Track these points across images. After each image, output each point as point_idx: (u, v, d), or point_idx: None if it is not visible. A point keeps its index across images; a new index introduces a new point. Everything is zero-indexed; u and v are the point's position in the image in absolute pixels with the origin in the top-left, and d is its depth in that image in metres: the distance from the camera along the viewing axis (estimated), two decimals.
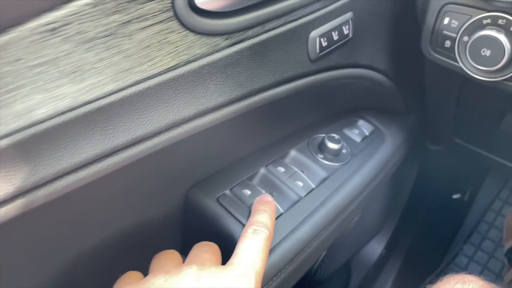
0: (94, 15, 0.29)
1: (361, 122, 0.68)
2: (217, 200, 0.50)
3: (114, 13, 0.30)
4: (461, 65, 0.55)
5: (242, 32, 0.39)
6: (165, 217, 0.50)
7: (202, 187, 0.51)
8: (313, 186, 0.55)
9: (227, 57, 0.38)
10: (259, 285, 0.38)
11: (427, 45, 0.58)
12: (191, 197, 0.51)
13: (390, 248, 0.96)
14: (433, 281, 0.43)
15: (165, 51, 0.34)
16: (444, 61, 0.58)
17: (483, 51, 0.52)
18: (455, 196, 1.04)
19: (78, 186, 0.32)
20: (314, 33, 0.45)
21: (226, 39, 0.38)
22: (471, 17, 0.53)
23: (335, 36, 0.48)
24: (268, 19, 0.40)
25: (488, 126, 0.73)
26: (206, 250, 0.41)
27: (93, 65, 0.30)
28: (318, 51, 0.46)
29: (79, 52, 0.29)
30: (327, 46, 0.47)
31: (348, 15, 0.48)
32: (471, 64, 0.54)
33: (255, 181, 0.54)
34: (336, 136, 0.61)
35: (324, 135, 0.62)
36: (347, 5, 0.48)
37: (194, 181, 0.51)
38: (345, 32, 0.49)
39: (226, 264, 0.38)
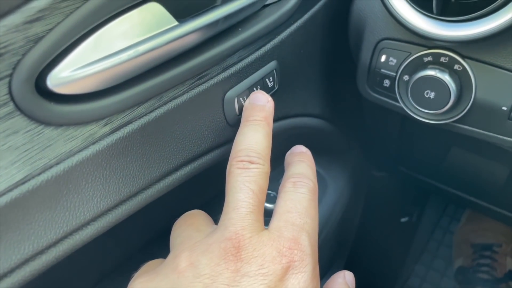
0: None
1: None
2: None
3: None
4: (402, 106, 0.49)
5: (129, 111, 0.29)
6: None
7: None
8: None
9: (109, 147, 0.28)
10: (315, 250, 0.30)
11: (364, 84, 0.52)
12: None
13: None
14: None
15: (6, 161, 0.23)
16: (384, 101, 0.52)
17: (427, 93, 0.46)
18: (403, 220, 1.01)
19: None
20: (231, 93, 0.36)
21: (106, 124, 0.28)
22: (410, 54, 0.47)
23: None
24: (165, 88, 0.31)
25: (432, 159, 0.69)
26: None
27: None
28: (237, 112, 0.38)
29: None
30: None
31: (272, 64, 0.40)
32: (414, 106, 0.48)
33: None
34: (271, 193, 0.52)
35: None
36: (269, 53, 0.39)
37: None
38: (270, 85, 0.40)
39: (267, 229, 0.30)
